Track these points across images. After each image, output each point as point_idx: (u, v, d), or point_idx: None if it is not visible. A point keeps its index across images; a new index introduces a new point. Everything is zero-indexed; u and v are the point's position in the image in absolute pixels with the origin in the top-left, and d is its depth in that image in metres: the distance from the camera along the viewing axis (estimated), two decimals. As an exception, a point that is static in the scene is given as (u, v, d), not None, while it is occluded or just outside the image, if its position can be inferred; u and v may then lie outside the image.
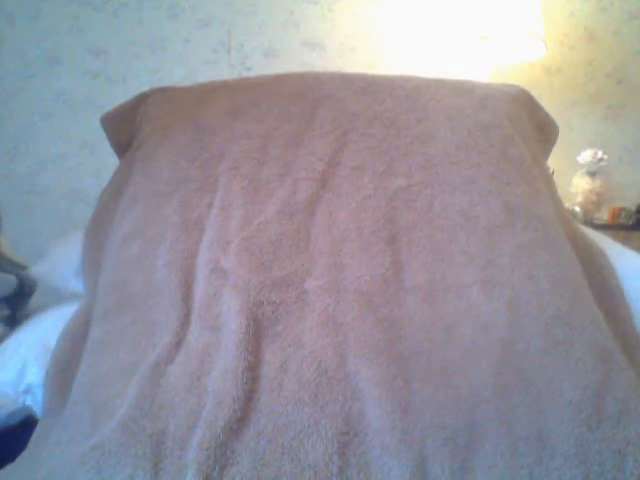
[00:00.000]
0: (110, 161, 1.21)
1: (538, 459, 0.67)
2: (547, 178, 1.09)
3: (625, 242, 1.19)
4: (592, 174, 1.97)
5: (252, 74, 1.94)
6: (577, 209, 1.94)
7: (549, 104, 1.28)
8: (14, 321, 1.06)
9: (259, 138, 1.04)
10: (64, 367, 0.89)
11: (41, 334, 0.97)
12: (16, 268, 1.12)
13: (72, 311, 0.98)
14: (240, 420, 0.71)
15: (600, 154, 1.95)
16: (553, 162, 1.31)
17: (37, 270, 1.12)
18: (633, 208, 1.94)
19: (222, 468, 0.66)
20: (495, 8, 1.73)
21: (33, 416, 0.91)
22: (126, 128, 1.17)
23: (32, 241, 1.84)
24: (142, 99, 1.19)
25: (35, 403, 0.91)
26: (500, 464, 0.67)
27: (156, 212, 0.98)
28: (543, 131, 1.19)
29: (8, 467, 0.76)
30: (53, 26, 1.93)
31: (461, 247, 0.90)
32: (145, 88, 1.24)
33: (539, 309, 0.81)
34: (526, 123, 1.13)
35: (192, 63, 1.98)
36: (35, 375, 0.91)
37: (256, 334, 0.81)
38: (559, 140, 1.25)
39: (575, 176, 2.00)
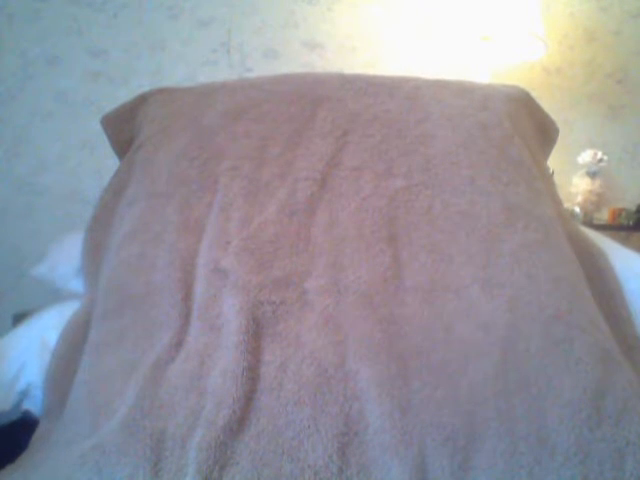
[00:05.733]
0: (110, 161, 1.21)
1: (538, 459, 0.67)
2: (547, 178, 1.10)
3: (625, 243, 1.19)
4: (592, 174, 1.97)
5: (252, 74, 1.94)
6: (577, 209, 1.94)
7: (549, 104, 1.28)
8: None
9: (259, 138, 1.04)
10: (64, 367, 0.89)
11: (41, 334, 0.97)
12: None
13: (72, 311, 0.98)
14: (240, 420, 0.71)
15: (600, 154, 1.95)
16: (553, 162, 1.31)
17: (37, 270, 1.12)
18: (633, 208, 1.94)
19: (222, 468, 0.67)
20: (495, 8, 1.72)
21: (33, 417, 0.91)
22: (126, 129, 1.17)
23: (32, 241, 1.85)
24: (142, 100, 1.19)
25: (34, 404, 0.91)
26: (500, 464, 0.67)
27: (156, 212, 0.98)
28: (543, 132, 1.19)
29: (8, 467, 0.76)
30: (53, 26, 1.93)
31: (461, 247, 0.90)
32: (145, 89, 1.24)
33: (539, 309, 0.81)
34: (526, 124, 1.13)
35: (192, 63, 1.98)
36: (35, 375, 0.91)
37: (256, 334, 0.81)
38: (559, 140, 1.25)
39: (575, 176, 2.00)
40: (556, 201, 1.06)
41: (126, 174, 1.10)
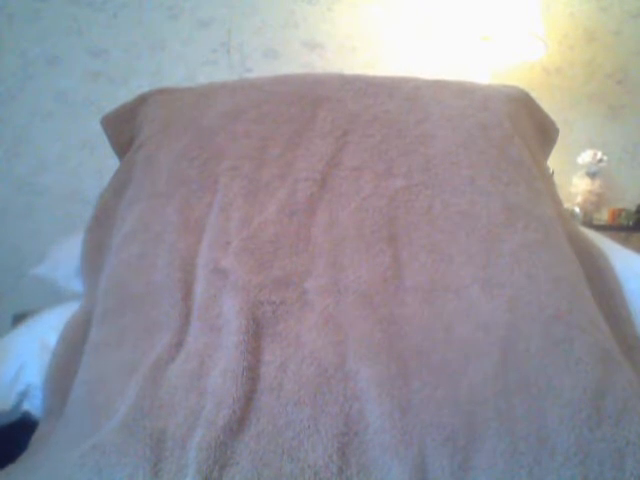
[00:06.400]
0: (110, 162, 1.21)
1: (538, 459, 0.67)
2: (547, 178, 1.10)
3: (625, 243, 1.19)
4: (592, 175, 1.97)
5: (252, 74, 1.94)
6: (577, 210, 1.94)
7: (549, 104, 1.28)
8: None
9: (259, 139, 1.04)
10: (64, 367, 0.89)
11: (41, 334, 0.97)
12: None
13: (72, 311, 0.98)
14: (240, 420, 0.71)
15: (600, 155, 1.95)
16: (553, 162, 1.31)
17: (39, 270, 1.12)
18: (633, 209, 1.94)
19: (222, 468, 0.66)
20: (495, 8, 1.72)
21: (33, 417, 0.91)
22: (126, 129, 1.17)
23: (32, 241, 1.86)
24: (142, 100, 1.19)
25: (34, 404, 0.91)
26: (500, 464, 0.67)
27: (156, 212, 0.98)
28: (543, 132, 1.19)
29: (8, 467, 0.76)
30: (53, 26, 1.93)
31: (461, 247, 0.90)
32: (145, 89, 1.24)
33: (539, 309, 0.81)
34: (526, 124, 1.13)
35: (192, 63, 1.98)
36: (34, 375, 0.91)
37: (256, 334, 0.81)
38: (559, 140, 1.25)
39: (575, 176, 2.00)
40: (556, 201, 1.06)
41: (126, 174, 1.10)
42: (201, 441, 0.68)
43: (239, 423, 0.71)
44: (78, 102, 1.94)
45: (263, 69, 1.97)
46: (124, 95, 1.29)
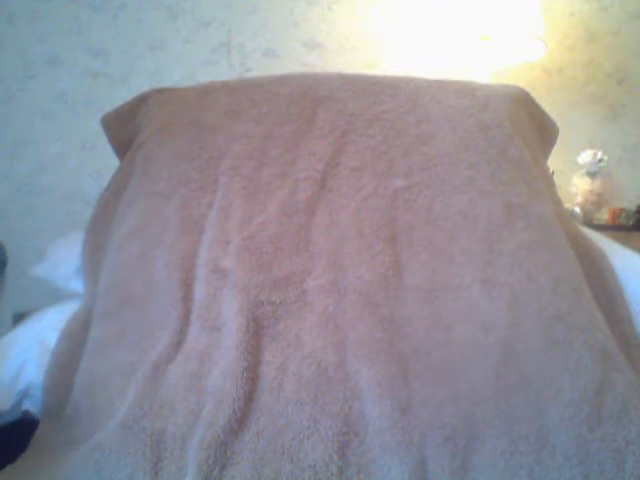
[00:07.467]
0: (110, 161, 1.21)
1: (538, 459, 0.67)
2: (547, 178, 1.10)
3: (625, 243, 1.18)
4: (592, 175, 1.96)
5: (252, 74, 1.94)
6: (577, 210, 1.94)
7: (549, 104, 1.27)
8: None
9: (259, 138, 1.04)
10: (64, 367, 0.89)
11: (41, 333, 0.97)
12: None
13: (72, 311, 0.98)
14: (240, 420, 0.71)
15: (600, 154, 1.95)
16: (553, 162, 1.31)
17: (38, 270, 1.12)
18: (633, 209, 1.94)
19: (222, 468, 0.67)
20: (495, 8, 1.72)
21: (33, 417, 0.91)
22: (126, 128, 1.17)
23: (32, 242, 1.85)
24: (142, 99, 1.19)
25: (34, 404, 0.91)
26: (500, 464, 0.67)
27: (156, 212, 0.98)
28: (543, 132, 1.19)
29: (8, 468, 0.76)
30: (53, 26, 1.93)
31: (461, 247, 0.90)
32: (145, 88, 1.24)
33: (539, 309, 0.81)
34: (526, 124, 1.13)
35: (192, 63, 1.98)
36: (35, 375, 0.91)
37: (256, 334, 0.81)
38: (559, 140, 1.24)
39: (575, 176, 2.00)
40: (556, 201, 1.06)
41: (126, 174, 1.10)
42: (201, 441, 0.68)
43: (239, 423, 0.71)
44: (78, 102, 1.94)
45: (263, 69, 1.97)
46: (124, 95, 1.29)
